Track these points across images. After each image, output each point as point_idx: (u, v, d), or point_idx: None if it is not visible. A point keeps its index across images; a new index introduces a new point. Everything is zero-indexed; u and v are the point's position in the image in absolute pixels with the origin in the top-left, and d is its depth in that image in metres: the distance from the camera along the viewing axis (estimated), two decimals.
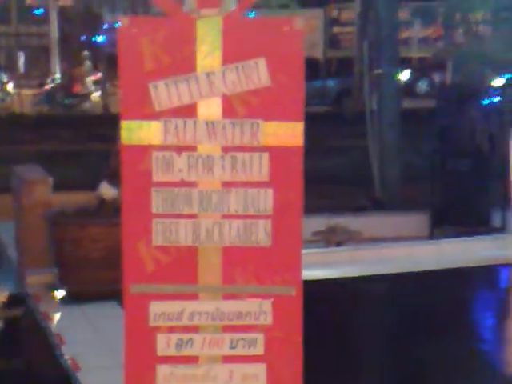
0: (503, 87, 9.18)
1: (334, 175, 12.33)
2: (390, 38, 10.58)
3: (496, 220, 8.48)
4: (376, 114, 10.82)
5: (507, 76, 9.04)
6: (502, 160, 6.66)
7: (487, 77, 9.45)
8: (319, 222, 8.58)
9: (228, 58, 3.04)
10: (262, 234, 3.14)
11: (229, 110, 3.07)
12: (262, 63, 3.04)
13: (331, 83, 22.64)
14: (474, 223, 8.43)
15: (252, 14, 6.05)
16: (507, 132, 6.46)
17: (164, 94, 3.06)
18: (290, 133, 3.09)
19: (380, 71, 10.36)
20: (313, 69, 22.56)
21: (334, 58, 23.52)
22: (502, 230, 8.09)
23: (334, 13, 23.47)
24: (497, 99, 8.78)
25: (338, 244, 8.31)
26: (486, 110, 8.78)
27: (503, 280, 6.72)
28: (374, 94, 10.92)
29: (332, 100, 22.03)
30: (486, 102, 8.80)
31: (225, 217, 3.13)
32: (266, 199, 3.12)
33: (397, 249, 7.33)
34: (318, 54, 23.27)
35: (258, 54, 3.04)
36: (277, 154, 3.09)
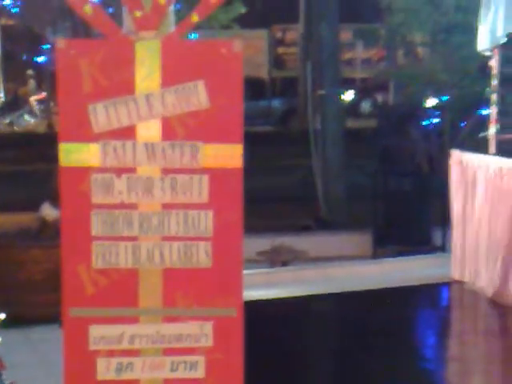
0: (442, 108, 9.38)
1: (280, 194, 12.37)
2: (332, 59, 10.72)
3: (437, 239, 8.62)
4: (320, 134, 10.94)
5: (445, 97, 9.25)
6: (441, 180, 6.78)
7: (427, 98, 9.64)
8: (264, 242, 8.60)
9: (167, 80, 3.05)
10: (202, 255, 3.14)
11: (168, 131, 3.08)
12: (201, 85, 3.05)
13: (276, 103, 22.80)
14: (416, 242, 8.56)
15: (195, 36, 6.07)
16: (447, 153, 6.59)
17: (103, 115, 3.05)
18: (230, 154, 3.10)
19: (323, 92, 10.49)
20: (258, 89, 22.72)
21: (279, 78, 23.69)
22: (442, 248, 8.22)
23: (279, 34, 23.67)
24: (436, 120, 8.96)
25: (283, 264, 8.34)
26: (425, 131, 8.94)
27: (444, 298, 6.81)
28: (318, 113, 11.04)
29: (277, 119, 22.17)
30: (425, 122, 8.96)
31: (165, 239, 3.13)
32: (206, 221, 3.13)
33: (341, 268, 7.38)
34: (264, 74, 23.43)
35: (196, 76, 3.05)
36: (216, 175, 3.11)
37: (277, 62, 23.88)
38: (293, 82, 20.94)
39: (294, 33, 21.24)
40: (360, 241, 9.10)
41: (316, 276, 7.12)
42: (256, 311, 5.60)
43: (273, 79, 23.80)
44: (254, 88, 22.29)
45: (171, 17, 3.10)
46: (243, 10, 7.85)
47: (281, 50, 23.81)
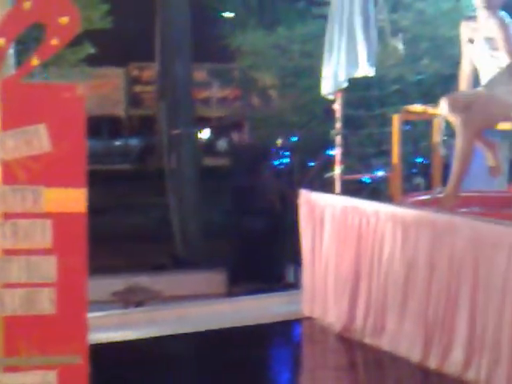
0: (292, 149, 9.66)
1: (136, 233, 12.28)
2: (187, 98, 10.86)
3: (290, 276, 8.79)
4: (176, 172, 10.99)
5: (295, 138, 9.54)
6: (293, 219, 6.95)
7: (278, 138, 9.90)
8: (119, 282, 8.50)
9: (7, 124, 3.00)
10: (46, 302, 3.08)
11: (9, 176, 3.02)
12: (42, 129, 3.03)
13: (134, 141, 22.74)
14: (270, 280, 8.70)
15: (44, 75, 5.99)
16: (297, 192, 6.76)
17: None
18: (73, 199, 3.08)
19: (178, 131, 10.58)
20: (115, 127, 22.59)
21: (136, 116, 23.65)
22: (295, 285, 8.38)
23: (135, 72, 23.67)
24: (287, 160, 9.21)
25: (138, 304, 8.26)
26: (277, 171, 9.17)
27: (296, 335, 6.93)
28: (174, 152, 11.09)
29: (135, 158, 22.10)
30: (277, 162, 9.19)
31: (6, 286, 3.05)
32: (49, 267, 3.08)
33: (196, 307, 7.36)
34: (120, 112, 23.34)
35: (38, 120, 3.02)
36: (60, 220, 3.07)
37: (134, 100, 23.85)
38: (150, 120, 20.96)
39: (151, 71, 21.30)
40: (215, 279, 9.16)
41: (171, 316, 7.07)
42: (109, 354, 5.52)
43: (130, 117, 23.74)
44: (111, 126, 22.13)
45: (11, 59, 3.06)
46: (92, 51, 7.80)
47: (138, 88, 23.80)
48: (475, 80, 5.73)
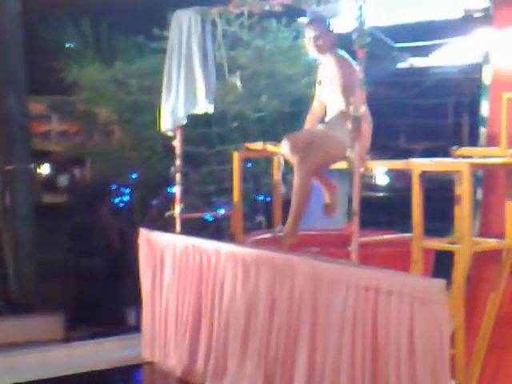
0: (132, 186, 9.45)
1: None
2: (22, 132, 10.44)
3: (131, 319, 8.53)
4: (10, 210, 10.54)
5: (135, 175, 9.34)
6: (134, 259, 6.74)
7: (119, 175, 9.65)
8: None
9: None
10: None
11: None
12: None
13: None
14: (110, 323, 8.42)
15: None
16: (137, 230, 6.58)
17: None
18: None
19: (12, 166, 10.16)
20: None
21: None
22: (136, 328, 8.12)
23: None
24: (127, 198, 8.99)
25: None
26: (117, 209, 8.92)
27: (135, 381, 6.71)
28: (8, 188, 10.65)
29: None
30: (117, 200, 8.95)
31: None
32: None
33: (29, 355, 7.00)
34: None
35: None
36: None
37: None
38: None
39: None
40: (52, 323, 8.75)
41: (2, 365, 6.70)
42: None
43: None
44: None
45: None
46: None
47: None
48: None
